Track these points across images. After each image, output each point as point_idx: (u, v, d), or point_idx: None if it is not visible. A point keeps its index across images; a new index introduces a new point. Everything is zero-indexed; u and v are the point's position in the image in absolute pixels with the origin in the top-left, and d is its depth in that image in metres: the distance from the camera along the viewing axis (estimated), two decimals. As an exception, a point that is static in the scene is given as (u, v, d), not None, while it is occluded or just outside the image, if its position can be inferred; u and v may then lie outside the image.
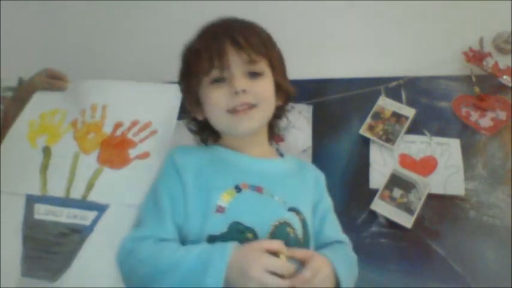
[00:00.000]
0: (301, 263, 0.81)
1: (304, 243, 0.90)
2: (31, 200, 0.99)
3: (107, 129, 1.07)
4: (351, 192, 1.33)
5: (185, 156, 0.94)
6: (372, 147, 1.39)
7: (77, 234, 0.96)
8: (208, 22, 0.98)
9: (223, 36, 0.92)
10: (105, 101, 1.09)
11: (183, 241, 0.86)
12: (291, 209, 0.91)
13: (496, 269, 1.23)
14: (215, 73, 0.91)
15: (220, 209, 0.86)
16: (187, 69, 0.98)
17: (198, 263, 0.78)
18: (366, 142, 1.39)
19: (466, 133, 1.37)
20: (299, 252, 0.82)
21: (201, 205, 0.87)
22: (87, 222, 0.97)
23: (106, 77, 1.27)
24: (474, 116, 1.39)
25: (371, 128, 1.40)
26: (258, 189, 0.90)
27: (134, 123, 1.07)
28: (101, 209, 0.98)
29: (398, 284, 1.22)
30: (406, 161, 1.36)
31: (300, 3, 1.55)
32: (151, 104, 1.10)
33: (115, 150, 1.04)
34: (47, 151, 1.04)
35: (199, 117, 1.00)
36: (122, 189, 0.99)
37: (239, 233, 0.84)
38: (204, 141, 1.04)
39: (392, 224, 1.28)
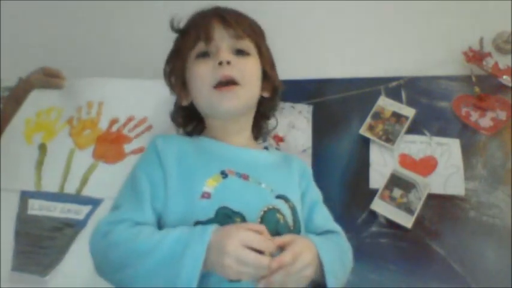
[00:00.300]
0: (282, 249, 0.76)
1: (294, 231, 0.86)
2: (25, 196, 0.99)
3: (103, 126, 1.07)
4: (351, 192, 1.33)
5: (167, 143, 0.90)
6: (372, 147, 1.39)
7: (70, 229, 0.96)
8: (200, 9, 0.98)
9: (211, 14, 0.93)
10: (101, 98, 1.10)
11: (162, 228, 0.81)
12: (279, 197, 0.88)
13: (496, 269, 1.23)
14: (201, 46, 0.90)
15: (206, 195, 0.83)
16: (174, 49, 0.97)
17: (176, 245, 0.73)
18: (366, 142, 1.39)
19: (466, 133, 1.37)
20: (279, 239, 0.77)
21: (184, 192, 0.83)
22: (81, 217, 0.97)
23: (105, 75, 1.27)
24: (474, 116, 1.39)
25: (371, 128, 1.40)
26: (244, 177, 0.87)
27: (130, 119, 1.08)
28: (94, 203, 0.98)
29: (398, 284, 1.22)
30: (406, 161, 1.36)
31: (300, 3, 1.55)
32: (147, 100, 1.11)
33: (110, 145, 1.05)
34: (42, 148, 1.05)
35: (185, 102, 0.97)
36: (116, 184, 0.99)
37: (227, 218, 0.80)
38: (189, 134, 1.02)
39: (392, 224, 1.28)
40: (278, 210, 0.85)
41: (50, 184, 1.00)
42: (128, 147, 1.05)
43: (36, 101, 1.11)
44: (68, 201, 0.98)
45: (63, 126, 1.08)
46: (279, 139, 1.38)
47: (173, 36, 1.01)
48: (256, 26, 0.97)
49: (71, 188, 1.00)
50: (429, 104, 1.41)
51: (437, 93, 1.42)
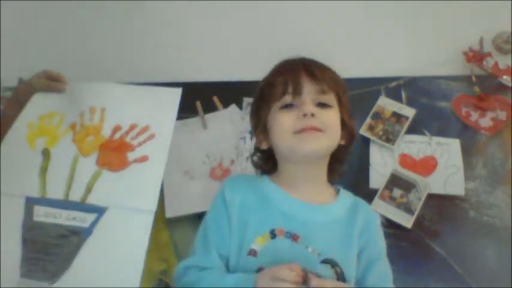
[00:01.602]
0: None
1: None
2: (30, 202, 0.99)
3: (106, 133, 1.07)
4: (351, 192, 1.33)
5: (234, 192, 0.96)
6: (372, 147, 1.39)
7: (75, 236, 0.96)
8: (285, 59, 1.03)
9: (299, 67, 0.98)
10: (103, 104, 1.10)
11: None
12: (326, 261, 0.89)
13: (496, 269, 1.24)
14: (287, 98, 0.95)
15: (252, 252, 0.88)
16: (261, 97, 1.02)
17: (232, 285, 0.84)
18: (366, 142, 1.39)
19: (466, 133, 1.37)
20: (320, 280, 0.81)
21: (238, 244, 0.90)
22: (86, 225, 0.97)
23: (106, 77, 1.27)
24: (474, 116, 1.39)
25: (371, 128, 1.40)
26: (294, 237, 0.90)
27: (132, 127, 1.08)
28: (99, 211, 0.98)
29: (398, 284, 1.21)
30: (406, 161, 1.36)
31: (300, 3, 1.55)
32: (150, 107, 1.11)
33: (114, 153, 1.05)
34: (46, 153, 1.05)
35: (264, 146, 1.01)
36: (120, 192, 1.00)
37: None
38: (264, 173, 1.05)
39: (392, 224, 1.28)
40: (319, 276, 0.85)
41: (55, 191, 1.00)
42: (131, 156, 1.04)
43: (38, 104, 1.11)
44: (73, 209, 0.98)
45: (66, 131, 1.08)
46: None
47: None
48: (338, 79, 1.02)
49: (75, 195, 0.99)
50: (429, 104, 1.41)
51: (437, 93, 1.42)
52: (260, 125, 1.01)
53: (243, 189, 0.97)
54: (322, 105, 0.95)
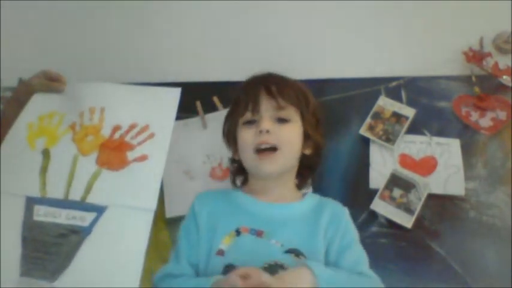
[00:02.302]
0: None
1: None
2: (31, 202, 1.00)
3: (105, 132, 1.08)
4: (351, 192, 1.33)
5: (203, 204, 1.07)
6: (372, 147, 1.39)
7: (75, 235, 0.97)
8: (252, 75, 1.12)
9: (259, 84, 1.07)
10: (103, 104, 1.10)
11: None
12: (290, 251, 0.96)
13: (496, 269, 1.23)
14: (248, 115, 1.05)
15: (220, 252, 0.96)
16: (230, 111, 1.14)
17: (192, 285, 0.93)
18: (366, 142, 1.39)
19: (466, 133, 1.37)
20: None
21: (207, 248, 0.98)
22: (86, 224, 0.98)
23: (105, 77, 1.27)
24: (474, 116, 1.39)
25: (371, 128, 1.40)
26: (258, 233, 0.98)
27: (132, 127, 1.09)
28: (99, 210, 0.99)
29: (398, 284, 1.22)
30: (406, 161, 1.36)
31: (300, 3, 1.55)
32: (149, 107, 1.11)
33: (113, 152, 1.05)
34: (46, 153, 1.05)
35: (237, 157, 1.12)
36: (119, 191, 1.01)
37: None
38: (234, 183, 1.17)
39: (392, 224, 1.28)
40: (281, 266, 0.93)
41: (55, 190, 1.01)
42: (130, 155, 1.05)
43: (38, 104, 1.12)
44: (73, 208, 0.99)
45: (65, 131, 1.08)
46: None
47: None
48: (300, 93, 1.09)
49: (75, 195, 1.00)
50: (429, 104, 1.41)
51: (437, 93, 1.42)
52: (231, 138, 1.12)
53: (212, 201, 1.07)
54: (282, 120, 1.04)
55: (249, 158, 1.04)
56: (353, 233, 1.05)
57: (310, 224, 1.01)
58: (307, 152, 1.09)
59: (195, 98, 1.44)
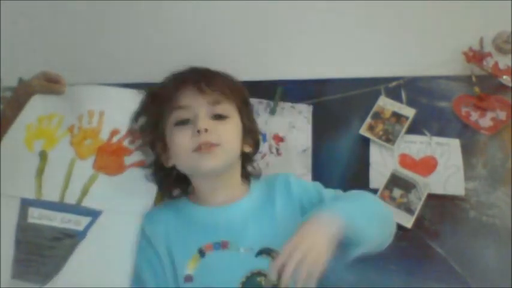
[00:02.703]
0: None
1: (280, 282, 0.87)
2: (25, 204, 0.99)
3: (104, 136, 1.08)
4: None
5: (153, 226, 0.96)
6: (372, 147, 1.38)
7: (69, 239, 0.97)
8: (173, 72, 1.00)
9: (187, 79, 0.95)
10: (102, 108, 1.10)
11: None
12: (262, 251, 0.90)
13: (496, 269, 1.23)
14: (179, 114, 0.93)
15: (188, 278, 0.88)
16: (152, 113, 0.99)
17: None
18: (366, 142, 1.39)
19: (466, 133, 1.37)
20: (276, 262, 0.75)
21: (172, 275, 0.89)
22: (80, 228, 0.98)
23: (105, 78, 1.27)
24: (474, 116, 1.39)
25: (371, 128, 1.40)
26: (223, 245, 0.91)
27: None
28: (94, 214, 0.99)
29: (398, 284, 1.22)
30: (406, 161, 1.36)
31: (300, 3, 1.54)
32: None
33: (111, 157, 1.05)
34: (43, 155, 1.05)
35: (169, 164, 0.98)
36: (115, 196, 1.01)
37: None
38: (170, 196, 1.04)
39: (392, 224, 1.28)
40: (259, 273, 0.88)
41: (51, 193, 1.00)
42: (128, 160, 1.05)
43: (38, 106, 1.11)
44: (68, 211, 0.99)
45: (64, 134, 1.08)
46: (279, 139, 1.38)
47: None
48: (234, 85, 0.99)
49: (71, 198, 1.00)
50: (429, 104, 1.41)
51: (437, 93, 1.42)
52: (158, 143, 0.98)
53: (162, 219, 0.96)
54: (219, 116, 0.94)
55: (186, 159, 0.93)
56: (313, 186, 1.00)
57: (267, 210, 0.96)
58: (247, 149, 1.01)
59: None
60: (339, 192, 1.01)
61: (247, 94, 1.03)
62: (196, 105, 0.93)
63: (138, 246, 0.96)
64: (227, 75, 1.01)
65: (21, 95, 1.14)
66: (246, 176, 1.04)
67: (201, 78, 0.95)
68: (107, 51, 1.60)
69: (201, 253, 0.90)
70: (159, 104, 0.97)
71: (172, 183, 1.03)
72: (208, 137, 0.90)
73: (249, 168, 1.05)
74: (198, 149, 0.90)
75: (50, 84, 1.13)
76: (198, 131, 0.90)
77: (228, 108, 0.96)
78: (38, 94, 1.12)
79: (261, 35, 1.56)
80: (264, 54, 1.48)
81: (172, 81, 0.98)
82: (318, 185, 1.03)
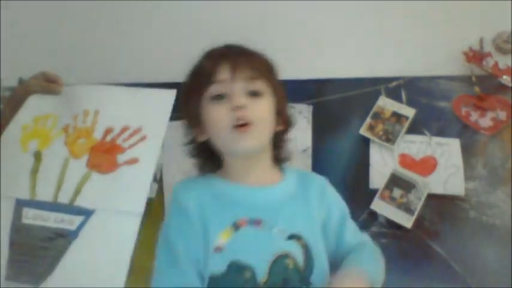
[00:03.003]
0: None
1: (305, 271, 0.90)
2: (20, 204, 0.99)
3: (98, 135, 1.08)
4: (351, 192, 1.32)
5: (188, 195, 0.94)
6: (372, 147, 1.39)
7: (62, 239, 0.96)
8: (211, 48, 1.00)
9: (225, 56, 0.95)
10: (97, 107, 1.10)
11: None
12: (292, 236, 0.91)
13: (496, 269, 1.24)
14: (216, 88, 0.93)
15: (218, 249, 0.88)
16: (189, 88, 0.99)
17: None
18: (366, 142, 1.39)
19: (466, 133, 1.37)
20: None
21: (204, 245, 0.88)
22: (73, 227, 0.98)
23: (105, 77, 1.27)
24: (474, 116, 1.39)
25: (371, 128, 1.40)
26: (256, 223, 0.91)
27: (124, 129, 1.08)
28: (87, 213, 0.98)
29: (398, 284, 1.22)
30: (406, 161, 1.36)
31: (300, 3, 1.54)
32: (143, 108, 1.11)
33: (104, 155, 1.05)
34: (37, 155, 1.05)
35: (201, 139, 0.99)
36: (108, 195, 1.01)
37: (237, 272, 0.86)
38: (203, 170, 1.03)
39: (392, 224, 1.28)
40: (287, 255, 0.89)
41: (44, 192, 1.01)
42: (120, 158, 1.05)
43: (34, 106, 1.11)
44: (61, 211, 0.99)
45: (59, 134, 1.08)
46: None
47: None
48: (267, 64, 1.00)
49: (64, 197, 1.00)
50: (429, 104, 1.41)
51: (437, 93, 1.42)
52: (193, 118, 0.98)
53: (196, 192, 0.95)
54: (254, 93, 0.94)
55: (223, 137, 0.93)
56: (342, 203, 1.04)
57: (303, 204, 0.97)
58: (279, 128, 1.01)
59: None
60: (357, 230, 1.04)
61: (278, 73, 1.03)
62: (232, 80, 0.92)
63: (169, 215, 0.95)
64: (262, 54, 1.01)
65: (19, 95, 1.13)
66: (277, 160, 1.04)
67: (238, 55, 0.96)
68: (107, 52, 1.60)
69: (235, 226, 0.89)
70: (196, 78, 0.97)
71: (204, 158, 1.03)
72: (245, 113, 0.91)
73: (280, 154, 1.06)
74: (235, 127, 0.91)
75: (48, 84, 1.13)
76: (236, 107, 0.91)
77: (263, 86, 0.95)
78: (34, 95, 1.12)
79: (261, 35, 1.56)
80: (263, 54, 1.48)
81: (210, 57, 0.99)
82: (345, 207, 1.05)
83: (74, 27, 1.63)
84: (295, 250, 0.90)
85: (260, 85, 0.94)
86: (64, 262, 0.94)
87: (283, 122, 1.02)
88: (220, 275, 0.86)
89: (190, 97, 0.98)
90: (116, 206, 0.99)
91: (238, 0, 1.56)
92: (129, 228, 0.97)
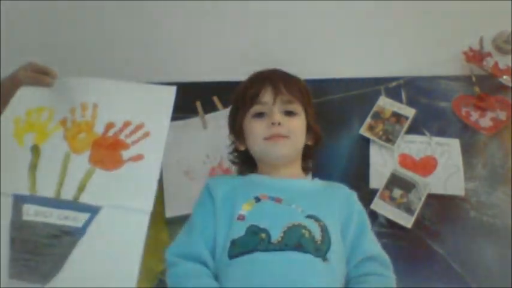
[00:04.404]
0: None
1: (322, 245, 0.95)
2: (19, 200, 0.94)
3: (98, 130, 1.03)
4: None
5: (217, 180, 1.12)
6: (372, 147, 1.38)
7: (68, 237, 0.92)
8: (257, 71, 1.17)
9: (267, 80, 1.12)
10: (95, 100, 1.05)
11: (215, 247, 0.99)
12: (310, 216, 0.99)
13: (496, 269, 1.23)
14: (258, 108, 1.10)
15: (241, 217, 0.99)
16: (236, 105, 1.17)
17: None
18: (366, 142, 1.39)
19: (466, 133, 1.37)
20: None
21: (227, 216, 1.00)
22: (79, 224, 0.93)
23: (106, 77, 1.27)
24: (474, 116, 1.39)
25: (371, 128, 1.40)
26: (277, 200, 1.02)
27: (126, 125, 1.04)
28: (93, 210, 0.94)
29: (399, 284, 1.21)
30: (406, 161, 1.36)
31: (300, 3, 1.54)
32: (144, 105, 1.06)
33: (107, 151, 1.01)
34: (35, 150, 1.00)
35: (241, 148, 1.16)
36: (114, 191, 0.97)
37: (254, 234, 0.95)
38: (242, 172, 1.20)
39: (392, 224, 1.28)
40: (304, 227, 0.96)
41: (46, 188, 0.95)
42: (125, 154, 1.01)
43: (25, 98, 1.06)
44: (65, 208, 0.94)
45: (56, 128, 1.03)
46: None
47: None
48: (304, 89, 1.15)
49: (67, 194, 0.95)
50: (429, 104, 1.41)
51: (437, 93, 1.42)
52: (237, 130, 1.16)
53: (227, 179, 1.14)
54: (289, 113, 1.10)
55: (260, 145, 1.09)
56: (367, 217, 1.10)
57: (325, 197, 1.07)
58: (310, 142, 1.16)
59: (195, 98, 1.44)
60: (376, 243, 1.07)
61: (311, 98, 1.18)
62: (272, 102, 1.09)
63: (199, 198, 1.09)
64: (299, 79, 1.17)
65: (7, 87, 1.08)
66: (305, 170, 1.18)
67: (279, 80, 1.12)
68: (108, 52, 1.60)
69: (257, 199, 1.02)
70: (242, 99, 1.13)
71: (243, 164, 1.20)
72: (280, 129, 1.07)
73: (308, 163, 1.20)
74: (270, 138, 1.07)
75: (38, 75, 1.07)
76: (273, 123, 1.07)
77: (297, 107, 1.11)
78: (24, 86, 1.07)
79: (261, 35, 1.56)
80: (263, 54, 1.48)
81: (255, 80, 1.15)
82: (367, 219, 1.10)
83: (75, 27, 1.63)
84: (312, 226, 0.97)
85: (295, 106, 1.11)
86: (72, 261, 0.90)
87: (313, 137, 1.16)
88: (238, 238, 0.95)
89: (236, 114, 1.15)
90: (124, 203, 0.95)
91: (238, 0, 1.57)
92: (138, 226, 0.94)
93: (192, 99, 1.42)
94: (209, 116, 1.44)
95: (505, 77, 1.39)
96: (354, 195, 1.12)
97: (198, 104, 1.44)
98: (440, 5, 1.48)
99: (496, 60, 1.41)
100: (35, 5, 1.63)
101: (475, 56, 1.42)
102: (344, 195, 1.10)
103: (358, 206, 1.10)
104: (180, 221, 1.12)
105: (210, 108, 1.44)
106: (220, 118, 1.42)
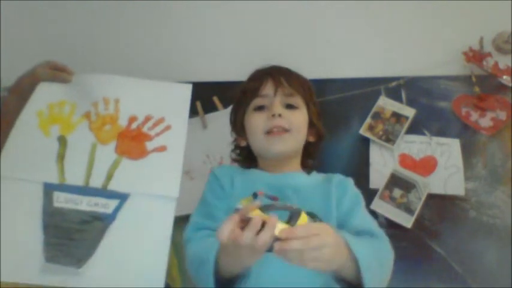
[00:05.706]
0: None
1: None
2: (49, 188, 0.99)
3: (122, 122, 1.07)
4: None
5: (222, 169, 1.12)
6: (372, 147, 1.39)
7: (99, 222, 0.97)
8: (258, 68, 1.17)
9: (269, 73, 1.12)
10: (116, 95, 1.09)
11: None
12: (308, 213, 0.92)
13: (496, 269, 1.24)
14: (258, 101, 1.09)
15: (237, 211, 0.93)
16: (238, 101, 1.16)
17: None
18: (366, 142, 1.39)
19: (466, 133, 1.37)
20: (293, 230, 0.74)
21: (228, 211, 0.96)
22: (109, 210, 0.98)
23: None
24: (474, 116, 1.39)
25: (371, 128, 1.40)
26: (272, 198, 1.01)
27: (148, 118, 1.08)
28: (122, 197, 0.99)
29: (398, 284, 1.22)
30: (406, 161, 1.36)
31: (300, 3, 1.55)
32: (162, 101, 1.11)
33: (132, 142, 1.05)
34: (62, 140, 1.04)
35: (242, 143, 1.15)
36: (141, 180, 1.01)
37: None
38: (243, 167, 1.18)
39: (392, 224, 1.28)
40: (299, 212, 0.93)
41: (74, 177, 1.00)
42: (149, 145, 1.05)
43: (46, 93, 1.10)
44: (94, 195, 0.99)
45: (80, 120, 1.07)
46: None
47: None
48: (305, 84, 1.14)
49: (96, 182, 1.00)
50: (429, 104, 1.41)
51: (437, 93, 1.42)
52: (238, 126, 1.15)
53: (231, 171, 1.12)
54: (290, 106, 1.08)
55: (259, 140, 1.07)
56: (360, 198, 1.06)
57: (322, 192, 1.04)
58: (311, 139, 1.14)
59: (195, 98, 1.43)
60: (369, 220, 1.02)
61: (314, 94, 1.17)
62: (273, 94, 1.08)
63: (206, 185, 1.10)
64: (301, 75, 1.16)
65: (25, 84, 1.11)
66: (305, 166, 1.15)
67: (280, 74, 1.11)
68: (108, 52, 1.60)
69: (254, 195, 1.01)
70: (243, 94, 1.13)
71: (245, 160, 1.19)
72: (280, 121, 1.05)
73: (308, 161, 1.17)
74: (270, 132, 1.05)
75: (56, 72, 1.11)
76: (273, 115, 1.05)
77: (299, 101, 1.10)
78: (43, 82, 1.10)
79: (261, 35, 1.57)
80: (264, 54, 1.48)
81: (256, 75, 1.14)
82: (361, 198, 1.06)
83: (76, 27, 1.63)
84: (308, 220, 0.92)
85: (296, 100, 1.09)
86: (104, 245, 0.95)
87: (316, 134, 1.15)
88: None
89: (238, 109, 1.14)
90: (152, 190, 1.00)
91: (238, 0, 1.57)
92: (166, 212, 0.99)
93: (192, 99, 1.42)
94: (209, 116, 1.45)
95: (505, 77, 1.39)
96: (348, 181, 1.09)
97: (198, 104, 1.44)
98: (441, 5, 1.48)
99: (496, 60, 1.41)
100: (35, 5, 1.63)
101: (475, 56, 1.42)
102: (339, 181, 1.07)
103: (352, 190, 1.07)
104: (180, 220, 1.12)
105: (210, 108, 1.45)
106: (220, 118, 1.43)
